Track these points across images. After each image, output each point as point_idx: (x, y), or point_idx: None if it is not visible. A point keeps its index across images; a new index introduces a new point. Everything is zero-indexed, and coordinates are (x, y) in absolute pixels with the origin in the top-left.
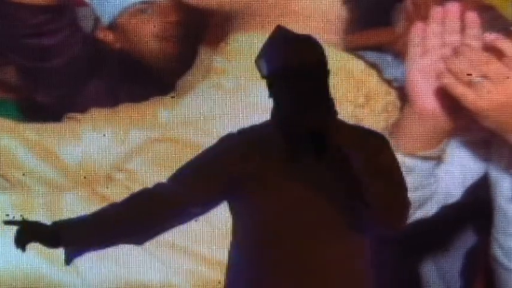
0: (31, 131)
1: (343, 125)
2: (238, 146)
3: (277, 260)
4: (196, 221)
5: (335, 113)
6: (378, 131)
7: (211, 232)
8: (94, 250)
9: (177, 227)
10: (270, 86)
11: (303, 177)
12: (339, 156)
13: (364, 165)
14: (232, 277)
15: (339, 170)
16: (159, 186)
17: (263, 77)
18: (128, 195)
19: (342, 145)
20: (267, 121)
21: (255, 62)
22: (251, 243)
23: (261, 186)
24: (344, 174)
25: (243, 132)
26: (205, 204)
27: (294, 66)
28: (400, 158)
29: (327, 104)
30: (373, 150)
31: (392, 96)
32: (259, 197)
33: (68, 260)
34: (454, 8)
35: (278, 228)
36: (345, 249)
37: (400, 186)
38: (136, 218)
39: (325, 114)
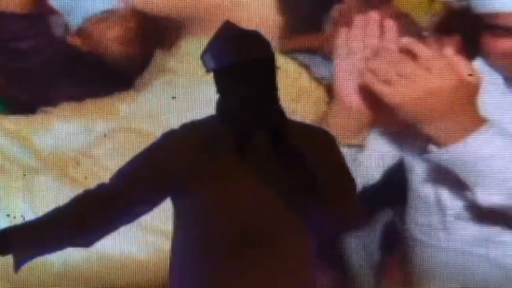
0: (10, 122)
1: (291, 122)
2: (182, 141)
3: (226, 254)
4: None
5: (283, 109)
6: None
7: (168, 208)
8: (42, 255)
9: None
10: (217, 80)
11: (258, 175)
12: (293, 154)
13: (317, 163)
14: (178, 269)
15: (294, 168)
16: (101, 187)
17: (208, 71)
18: (72, 198)
19: (295, 142)
20: (211, 115)
21: (201, 57)
22: (199, 236)
23: (212, 180)
24: (299, 172)
25: (185, 127)
26: (151, 202)
27: (241, 61)
28: None
29: (274, 99)
30: (323, 147)
31: (322, 92)
32: (211, 191)
33: (16, 268)
34: (374, 16)
35: (230, 223)
36: (297, 246)
37: (352, 183)
38: (80, 221)
39: (274, 109)
